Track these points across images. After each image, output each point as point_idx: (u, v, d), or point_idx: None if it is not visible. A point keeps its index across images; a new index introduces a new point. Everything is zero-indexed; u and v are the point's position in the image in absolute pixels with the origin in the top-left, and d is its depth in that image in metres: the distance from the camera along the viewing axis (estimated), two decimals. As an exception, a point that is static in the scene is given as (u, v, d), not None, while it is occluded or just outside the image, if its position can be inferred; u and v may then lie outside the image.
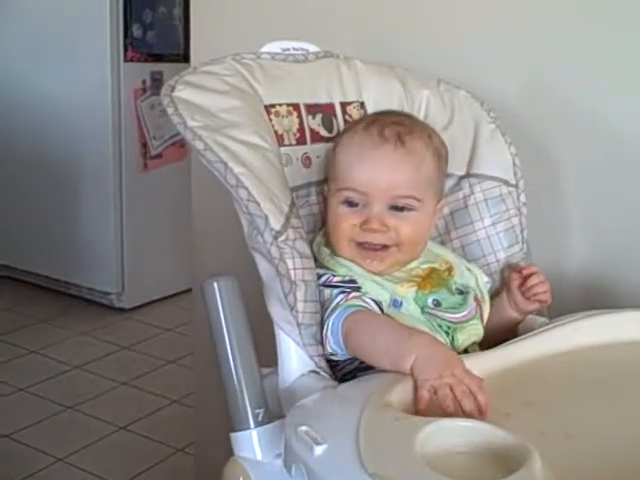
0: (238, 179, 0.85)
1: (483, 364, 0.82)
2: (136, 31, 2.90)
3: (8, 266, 3.25)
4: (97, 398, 2.35)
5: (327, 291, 0.90)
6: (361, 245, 0.94)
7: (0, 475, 1.94)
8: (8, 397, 2.33)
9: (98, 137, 2.90)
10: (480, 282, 1.01)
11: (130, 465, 2.00)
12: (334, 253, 0.96)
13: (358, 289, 0.90)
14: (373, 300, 0.90)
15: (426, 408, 0.73)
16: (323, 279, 0.91)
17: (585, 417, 0.75)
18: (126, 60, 2.87)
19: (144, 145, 2.99)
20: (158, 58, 2.98)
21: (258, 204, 0.85)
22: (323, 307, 0.89)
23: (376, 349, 0.82)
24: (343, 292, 0.89)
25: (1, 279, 3.27)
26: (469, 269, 1.01)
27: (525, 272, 1.01)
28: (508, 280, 1.03)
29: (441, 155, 1.00)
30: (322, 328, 0.88)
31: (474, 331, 0.95)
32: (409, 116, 1.03)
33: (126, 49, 2.86)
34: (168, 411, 2.28)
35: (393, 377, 0.78)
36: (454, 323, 0.93)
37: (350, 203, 0.94)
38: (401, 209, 0.94)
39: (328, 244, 0.97)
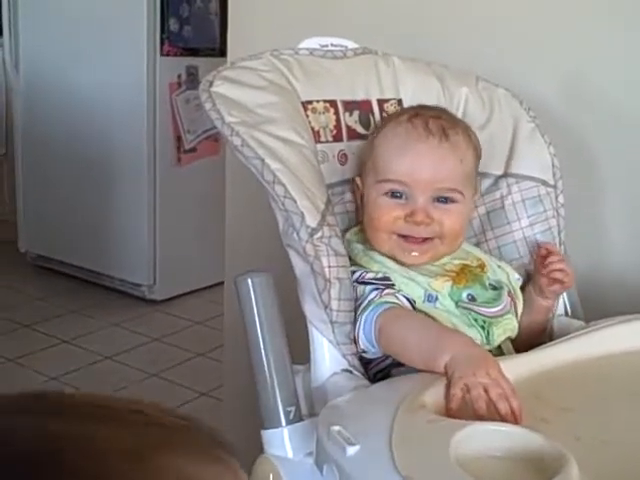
0: (275, 175, 0.85)
1: (518, 366, 0.81)
2: (173, 25, 2.90)
3: (43, 256, 3.28)
4: (127, 388, 2.36)
5: (360, 288, 0.89)
6: (403, 237, 0.93)
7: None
8: (40, 386, 2.35)
9: (133, 131, 2.91)
10: (511, 279, 1.00)
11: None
12: (367, 249, 0.95)
13: (392, 286, 0.90)
14: (406, 298, 0.89)
15: (457, 407, 0.72)
16: (356, 275, 0.91)
17: (621, 424, 0.74)
18: (162, 54, 2.87)
19: (178, 139, 3.00)
20: (194, 52, 2.99)
21: (295, 201, 0.84)
22: (356, 304, 0.88)
23: (410, 346, 0.81)
24: (377, 289, 0.88)
25: (36, 269, 3.32)
26: (499, 266, 1.00)
27: (542, 251, 1.00)
28: (531, 264, 1.03)
29: (479, 152, 1.00)
30: (355, 325, 0.87)
31: (509, 325, 0.95)
32: (447, 111, 1.02)
33: (162, 43, 2.87)
34: (196, 404, 2.29)
35: (427, 377, 0.77)
36: (489, 317, 0.92)
37: (393, 194, 0.94)
38: (445, 201, 0.94)
39: (360, 240, 0.97)
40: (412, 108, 1.03)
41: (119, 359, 2.57)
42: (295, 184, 0.85)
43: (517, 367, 0.80)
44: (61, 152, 3.09)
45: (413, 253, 0.93)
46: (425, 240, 0.93)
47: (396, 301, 0.87)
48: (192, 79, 2.95)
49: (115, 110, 2.93)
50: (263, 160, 0.85)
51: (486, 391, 0.73)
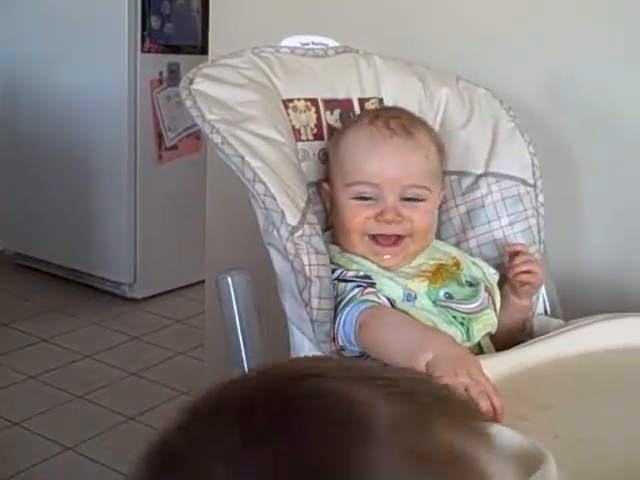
0: (255, 173, 0.84)
1: (498, 365, 0.81)
2: (154, 22, 2.89)
3: (22, 254, 3.24)
4: (106, 388, 2.35)
5: (341, 285, 0.89)
6: (374, 239, 0.94)
7: (8, 463, 1.94)
8: (19, 385, 2.33)
9: (114, 128, 2.89)
10: (487, 274, 1.00)
11: (139, 455, 2.00)
12: (344, 250, 0.95)
13: (373, 284, 0.90)
14: (387, 297, 0.89)
15: None
16: (337, 273, 0.91)
17: (599, 421, 0.74)
18: (143, 51, 2.85)
19: (159, 136, 2.98)
20: (175, 50, 2.97)
21: (275, 199, 0.84)
22: (336, 301, 0.88)
23: (391, 344, 0.82)
24: (359, 286, 0.88)
25: (15, 267, 3.27)
26: (474, 262, 1.01)
27: (509, 249, 1.01)
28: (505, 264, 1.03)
29: (441, 147, 1.01)
30: (335, 322, 0.87)
31: (489, 320, 0.95)
32: (405, 110, 1.03)
33: (143, 40, 2.85)
34: (176, 403, 2.28)
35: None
36: (468, 314, 0.93)
37: (362, 197, 0.94)
38: (413, 199, 0.94)
39: (335, 242, 0.97)
40: (371, 111, 1.04)
41: (99, 358, 2.54)
42: (275, 182, 0.85)
43: (497, 365, 0.81)
44: (40, 149, 3.06)
45: (385, 256, 0.94)
46: (397, 240, 0.93)
47: (377, 300, 0.87)
48: (173, 76, 2.93)
49: (96, 107, 2.90)
50: (243, 158, 0.85)
51: (467, 390, 0.73)
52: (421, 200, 0.95)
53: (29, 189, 3.15)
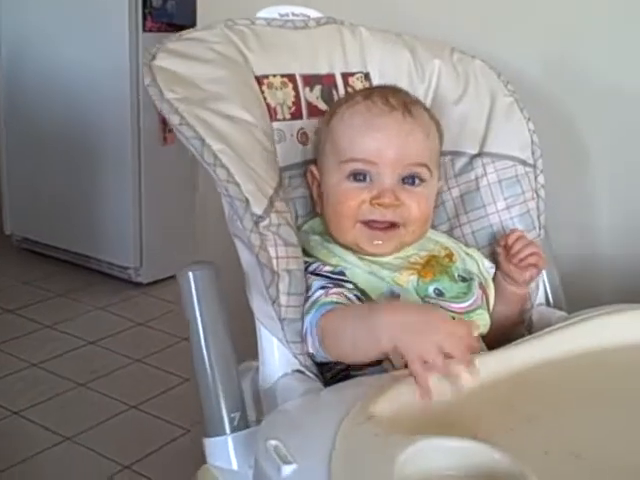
0: (217, 157, 0.76)
1: (488, 367, 0.73)
2: (155, 1, 2.81)
3: (29, 239, 3.22)
4: (109, 375, 2.30)
5: (315, 282, 0.81)
6: (367, 224, 0.85)
7: (6, 453, 1.91)
8: (21, 373, 2.30)
9: (117, 110, 2.83)
10: (482, 267, 0.92)
11: (139, 445, 1.95)
12: (326, 241, 0.87)
13: (345, 282, 0.82)
14: (358, 296, 0.81)
15: (427, 388, 0.66)
16: (313, 267, 0.84)
17: (597, 434, 0.66)
18: (145, 30, 2.78)
19: (163, 119, 2.91)
20: (178, 29, 2.88)
21: (238, 185, 0.76)
22: (305, 298, 0.81)
23: (352, 349, 0.73)
24: (323, 287, 0.80)
25: (22, 252, 3.25)
26: (469, 254, 0.93)
27: (509, 240, 0.93)
28: (495, 254, 0.95)
29: (441, 131, 0.93)
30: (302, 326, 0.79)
31: (481, 321, 0.87)
32: (402, 89, 0.95)
33: (145, 19, 2.78)
34: (180, 390, 2.23)
35: (384, 379, 0.70)
36: (459, 313, 0.85)
37: (357, 176, 0.86)
38: (413, 182, 0.87)
39: (318, 232, 0.89)
40: (366, 88, 0.96)
41: (102, 344, 2.50)
42: (240, 167, 0.77)
43: (487, 367, 0.73)
44: (45, 133, 3.02)
45: (376, 241, 0.85)
46: (390, 227, 0.85)
47: (342, 300, 0.79)
48: (176, 55, 2.86)
49: (97, 88, 2.84)
50: (203, 140, 0.77)
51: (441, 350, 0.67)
52: (422, 181, 0.87)
53: (35, 174, 3.12)
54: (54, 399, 2.15)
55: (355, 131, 0.86)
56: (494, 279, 0.93)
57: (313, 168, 0.92)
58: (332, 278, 0.82)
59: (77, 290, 2.93)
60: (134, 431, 2.02)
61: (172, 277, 3.06)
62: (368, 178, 0.86)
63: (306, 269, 0.83)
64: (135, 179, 2.88)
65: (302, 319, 0.79)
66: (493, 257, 0.95)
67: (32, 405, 2.10)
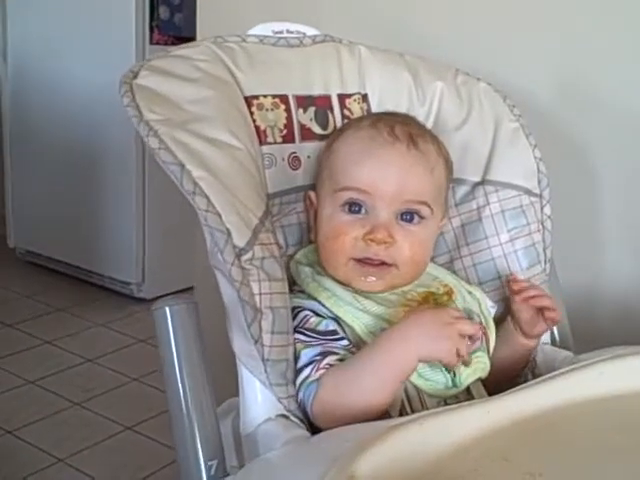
0: (196, 185, 0.71)
1: (487, 415, 0.68)
2: (163, 13, 2.79)
3: (32, 252, 3.20)
4: (106, 394, 2.26)
5: (303, 352, 0.76)
6: (360, 262, 0.80)
7: (-3, 475, 1.87)
8: (17, 390, 2.26)
9: (121, 123, 2.78)
10: (483, 307, 0.86)
11: (133, 469, 1.90)
12: (317, 273, 0.82)
13: (337, 340, 0.77)
14: (352, 352, 0.76)
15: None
16: (299, 319, 0.78)
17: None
18: (152, 43, 2.76)
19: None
20: (186, 41, 2.85)
21: (219, 216, 0.71)
22: (295, 360, 0.75)
23: (368, 388, 0.71)
24: (311, 362, 0.74)
25: (25, 265, 3.23)
26: (470, 292, 0.87)
27: (522, 285, 0.88)
28: (508, 301, 0.90)
29: (449, 165, 0.87)
30: (292, 362, 0.75)
31: (480, 365, 0.81)
32: (414, 119, 0.91)
33: (152, 31, 2.75)
34: (178, 412, 2.18)
35: (375, 429, 0.64)
36: None
37: (352, 207, 0.81)
38: (411, 219, 0.81)
39: (310, 263, 0.84)
40: (375, 113, 0.91)
41: (101, 362, 2.46)
42: (221, 196, 0.72)
43: (486, 415, 0.67)
44: (50, 147, 3.01)
45: (370, 278, 0.80)
46: (382, 265, 0.80)
47: (334, 363, 0.75)
48: (183, 69, 2.83)
49: (103, 101, 2.81)
50: (183, 166, 0.72)
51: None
52: (421, 219, 0.82)
53: (40, 187, 3.11)
54: (49, 418, 2.11)
55: (353, 158, 0.82)
56: (499, 322, 0.88)
57: (311, 194, 0.87)
58: (320, 338, 0.76)
59: (78, 305, 2.90)
60: (129, 454, 1.97)
61: (175, 293, 3.01)
62: (363, 209, 0.81)
63: (293, 310, 0.78)
64: (139, 194, 2.86)
65: (287, 360, 0.73)
66: (496, 295, 0.90)
67: (27, 424, 2.06)
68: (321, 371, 0.73)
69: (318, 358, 0.74)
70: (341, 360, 0.75)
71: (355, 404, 0.70)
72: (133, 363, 2.45)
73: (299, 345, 0.76)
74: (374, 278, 0.80)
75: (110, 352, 2.53)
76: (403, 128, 0.83)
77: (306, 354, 0.75)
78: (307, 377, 0.74)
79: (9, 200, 3.23)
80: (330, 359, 0.74)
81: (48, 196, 3.08)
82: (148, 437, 2.04)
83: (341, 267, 0.81)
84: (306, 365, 0.74)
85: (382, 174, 0.80)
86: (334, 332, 0.77)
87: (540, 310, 0.86)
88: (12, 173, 3.18)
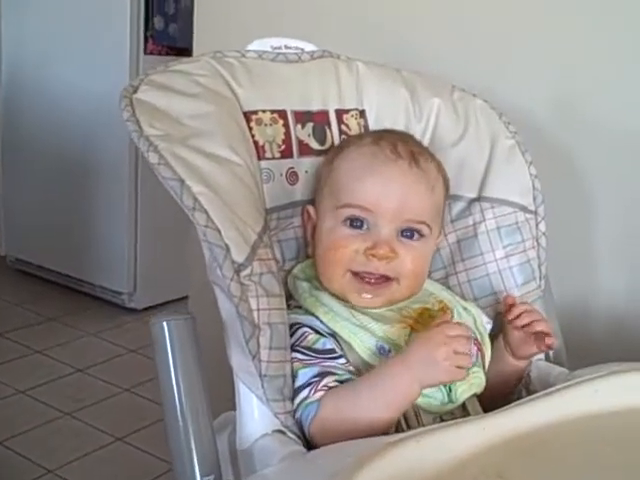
0: (196, 200, 0.71)
1: (483, 432, 0.68)
2: (158, 23, 2.79)
3: (23, 260, 3.19)
4: (97, 405, 2.25)
5: (300, 372, 0.76)
6: (358, 275, 0.81)
7: (-15, 485, 1.85)
8: (6, 400, 2.24)
9: (114, 132, 2.79)
10: (479, 323, 0.87)
11: (123, 480, 1.89)
12: (314, 288, 0.82)
13: (335, 359, 0.77)
14: (351, 371, 0.76)
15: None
16: (297, 336, 0.78)
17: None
18: (146, 53, 2.76)
19: (162, 142, 2.88)
20: (180, 52, 2.87)
21: (219, 232, 0.71)
22: (292, 379, 0.76)
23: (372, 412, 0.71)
24: (309, 384, 0.75)
25: (17, 273, 3.22)
26: (465, 308, 0.88)
27: (516, 309, 0.88)
28: (501, 322, 0.90)
29: (447, 183, 0.89)
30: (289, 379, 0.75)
31: (476, 380, 0.82)
32: (413, 137, 0.92)
33: (146, 41, 2.76)
34: (169, 423, 2.17)
35: (371, 445, 0.64)
36: None
37: (353, 222, 0.81)
38: (411, 235, 0.82)
39: (308, 277, 0.84)
40: (376, 131, 0.92)
41: (92, 372, 2.45)
42: (220, 211, 0.72)
43: (480, 433, 0.67)
44: (42, 155, 3.00)
45: (365, 295, 0.81)
46: (382, 281, 0.81)
47: (334, 385, 0.75)
48: (177, 79, 2.83)
49: (97, 111, 2.81)
50: (183, 182, 0.72)
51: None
52: (421, 236, 0.83)
53: (29, 195, 3.10)
54: (39, 428, 2.09)
55: (355, 175, 0.82)
56: (493, 340, 0.88)
57: (310, 208, 0.87)
58: (318, 357, 0.77)
59: (69, 314, 2.88)
60: (119, 465, 1.96)
61: (167, 303, 3.01)
62: (365, 225, 0.82)
63: (291, 327, 0.78)
64: (131, 203, 2.85)
65: (284, 375, 0.73)
66: (491, 311, 0.90)
67: (16, 434, 2.05)
68: (320, 392, 0.74)
69: (316, 380, 0.75)
70: (339, 381, 0.75)
71: (357, 427, 0.71)
72: (124, 373, 2.44)
73: (297, 364, 0.76)
74: (369, 296, 0.81)
75: (101, 362, 2.52)
76: (405, 146, 0.84)
77: (304, 374, 0.75)
78: (305, 398, 0.74)
79: (0, 208, 3.21)
80: (328, 380, 0.75)
81: (39, 204, 3.07)
82: (139, 448, 2.03)
83: (337, 279, 0.81)
84: (304, 386, 0.74)
85: (384, 191, 0.81)
86: (332, 351, 0.78)
87: (532, 333, 0.86)
88: (3, 180, 3.17)
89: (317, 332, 0.79)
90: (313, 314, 0.80)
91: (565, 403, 0.75)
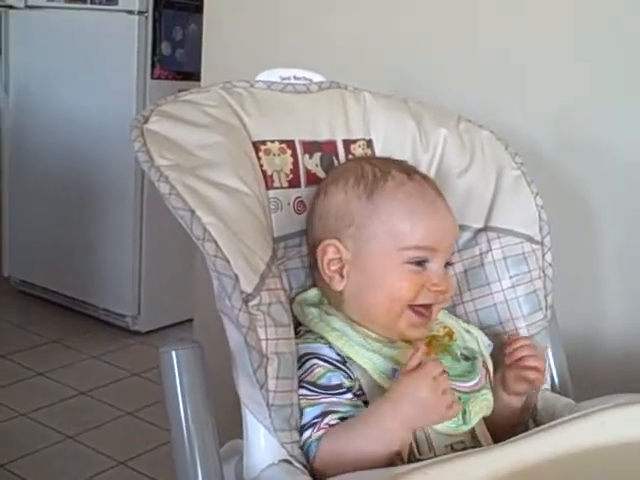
0: (206, 230, 0.72)
1: (491, 464, 0.68)
2: (165, 49, 2.82)
3: (27, 282, 3.19)
4: (99, 428, 2.24)
5: (307, 410, 0.76)
6: (413, 309, 0.82)
7: (-15, 510, 1.84)
8: (8, 422, 2.24)
9: (121, 156, 2.81)
10: (482, 345, 0.88)
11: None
12: (325, 313, 0.82)
13: (341, 394, 0.77)
14: (356, 405, 0.77)
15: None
16: (304, 369, 0.78)
17: None
18: (153, 78, 2.79)
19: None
20: (187, 76, 2.90)
21: (228, 262, 0.72)
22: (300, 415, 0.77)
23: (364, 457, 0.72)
24: (313, 425, 0.75)
25: (19, 294, 3.22)
26: (468, 331, 0.89)
27: (515, 343, 0.88)
28: (501, 356, 0.90)
29: None
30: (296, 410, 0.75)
31: (485, 402, 0.83)
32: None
33: (153, 66, 2.79)
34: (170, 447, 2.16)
35: (378, 478, 0.64)
36: (466, 393, 0.81)
37: (420, 263, 0.82)
38: (447, 265, 0.86)
39: (317, 303, 0.85)
40: (394, 163, 0.89)
41: (95, 395, 2.44)
42: (230, 241, 0.73)
43: (486, 467, 0.67)
44: (49, 178, 3.01)
45: (421, 328, 0.83)
46: (430, 312, 0.84)
47: (337, 421, 0.76)
48: (183, 104, 2.86)
49: (104, 135, 2.84)
50: (193, 212, 0.73)
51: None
52: (451, 264, 0.88)
53: (34, 217, 3.11)
54: (41, 452, 2.09)
55: (417, 217, 0.82)
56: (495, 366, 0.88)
57: (336, 244, 0.83)
58: (323, 393, 0.77)
59: (72, 336, 2.88)
60: (120, 490, 1.96)
61: (171, 326, 3.01)
62: (425, 264, 0.83)
63: (300, 359, 0.78)
64: (136, 226, 2.86)
65: (292, 405, 0.74)
66: (497, 341, 0.90)
67: (19, 457, 2.04)
68: (321, 431, 0.75)
69: (318, 420, 0.75)
70: (342, 417, 0.75)
71: (357, 462, 0.71)
72: (127, 396, 2.44)
73: (303, 402, 0.76)
74: (423, 328, 0.83)
75: (104, 385, 2.51)
76: (426, 178, 0.88)
77: (309, 413, 0.76)
78: (309, 437, 0.75)
79: (5, 229, 3.23)
80: (330, 418, 0.75)
81: (44, 226, 3.08)
82: (141, 473, 2.02)
83: (394, 314, 0.81)
84: (308, 426, 0.75)
85: (444, 229, 0.84)
86: (338, 386, 0.78)
87: (523, 367, 0.86)
88: (9, 202, 3.19)
89: (326, 362, 0.79)
90: (323, 338, 0.81)
91: (572, 435, 0.75)
